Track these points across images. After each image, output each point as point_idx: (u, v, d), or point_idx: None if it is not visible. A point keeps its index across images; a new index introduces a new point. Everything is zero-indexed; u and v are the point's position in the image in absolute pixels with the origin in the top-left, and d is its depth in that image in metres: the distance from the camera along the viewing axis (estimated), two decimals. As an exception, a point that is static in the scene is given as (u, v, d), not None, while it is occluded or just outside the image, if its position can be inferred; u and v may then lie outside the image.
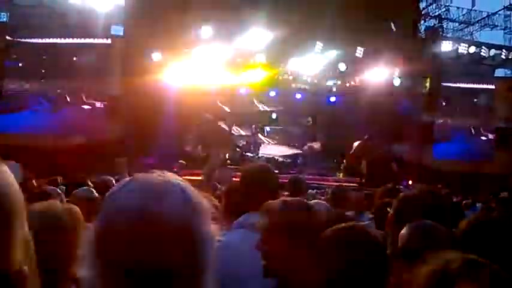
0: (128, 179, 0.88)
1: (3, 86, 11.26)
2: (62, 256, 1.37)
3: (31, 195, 2.84)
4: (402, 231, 1.69)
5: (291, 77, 13.60)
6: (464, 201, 7.31)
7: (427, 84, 14.02)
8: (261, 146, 13.47)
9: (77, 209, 1.47)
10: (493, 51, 14.31)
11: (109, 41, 11.76)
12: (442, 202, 2.18)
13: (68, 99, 11.68)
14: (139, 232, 0.78)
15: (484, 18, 15.39)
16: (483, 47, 14.26)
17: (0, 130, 10.86)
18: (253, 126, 13.52)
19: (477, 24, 15.41)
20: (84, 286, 0.84)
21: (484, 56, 14.35)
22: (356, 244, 1.42)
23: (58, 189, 3.75)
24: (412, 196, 2.23)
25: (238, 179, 2.53)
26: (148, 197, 0.81)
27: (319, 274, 1.41)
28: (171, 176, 0.88)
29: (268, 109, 14.10)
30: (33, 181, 4.49)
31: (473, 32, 15.52)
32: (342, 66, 13.23)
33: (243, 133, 13.80)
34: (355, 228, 1.52)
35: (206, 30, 11.96)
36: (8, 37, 11.29)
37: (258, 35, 12.07)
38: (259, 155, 13.18)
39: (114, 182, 4.27)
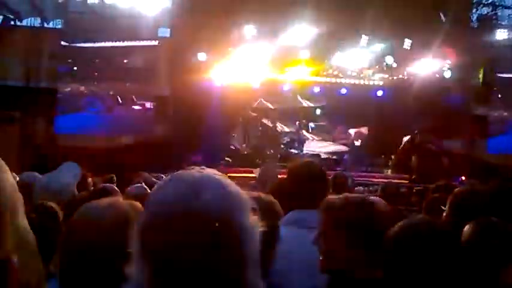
0: (169, 176, 0.92)
1: (58, 89, 11.87)
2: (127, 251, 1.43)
3: (91, 192, 3.01)
4: (467, 228, 1.62)
5: (335, 72, 13.42)
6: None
7: (481, 76, 13.37)
8: (305, 142, 13.39)
9: (139, 205, 1.53)
10: (552, 38, 13.44)
11: (156, 42, 12.11)
12: (502, 198, 2.10)
13: (120, 100, 12.15)
14: (179, 225, 0.81)
15: (542, 3, 14.45)
16: (542, 34, 13.42)
17: (58, 131, 11.49)
18: (298, 122, 13.46)
19: (535, 10, 14.49)
20: (132, 280, 0.87)
21: (543, 43, 13.50)
22: (430, 238, 1.33)
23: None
24: (469, 191, 2.16)
25: (284, 176, 2.53)
26: (188, 191, 0.84)
27: (383, 273, 1.36)
28: (210, 171, 0.91)
29: (312, 105, 13.98)
30: (90, 179, 4.71)
31: (531, 19, 14.61)
32: (389, 59, 12.90)
33: (286, 130, 13.77)
34: (426, 222, 1.43)
35: (249, 29, 12.04)
36: (63, 42, 11.89)
37: (302, 31, 12.00)
38: (304, 151, 13.11)
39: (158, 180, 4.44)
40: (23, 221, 0.73)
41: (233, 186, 0.89)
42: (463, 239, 1.62)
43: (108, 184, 3.84)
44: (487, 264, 1.44)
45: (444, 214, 2.14)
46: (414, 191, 6.81)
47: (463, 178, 11.65)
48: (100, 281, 1.38)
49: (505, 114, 14.09)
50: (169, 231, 0.81)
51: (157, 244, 0.82)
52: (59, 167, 3.67)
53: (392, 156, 12.45)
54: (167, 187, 0.88)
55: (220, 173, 0.92)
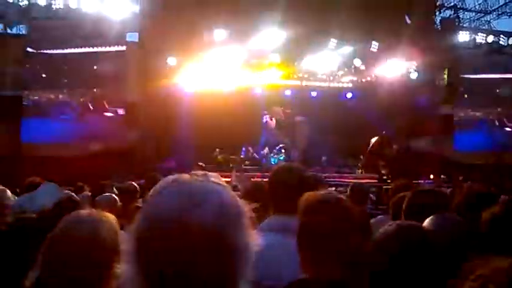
0: (169, 179, 0.88)
1: (25, 96, 11.54)
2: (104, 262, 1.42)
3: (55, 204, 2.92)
4: (425, 224, 1.68)
5: (306, 76, 13.56)
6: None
7: (445, 76, 13.80)
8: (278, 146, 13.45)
9: (114, 218, 1.53)
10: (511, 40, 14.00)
11: (124, 47, 11.93)
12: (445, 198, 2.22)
13: (91, 107, 11.89)
14: (173, 240, 0.81)
15: (501, 6, 15.07)
16: (501, 35, 13.95)
17: (27, 140, 11.15)
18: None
19: (494, 13, 15.09)
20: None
21: (503, 45, 14.04)
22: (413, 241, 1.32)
23: (82, 196, 3.87)
24: (421, 191, 2.27)
25: (257, 179, 2.51)
26: (185, 205, 0.82)
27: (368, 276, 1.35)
28: (212, 179, 0.89)
29: (284, 108, 14.06)
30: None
31: (491, 21, 15.21)
32: (358, 62, 13.14)
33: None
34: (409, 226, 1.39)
35: (219, 33, 12.03)
36: (29, 49, 11.56)
37: (272, 35, 12.08)
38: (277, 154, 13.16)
39: (137, 187, 4.38)
40: None
41: (234, 198, 0.87)
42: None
43: (69, 194, 3.71)
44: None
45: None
46: (383, 190, 6.95)
47: (432, 176, 12.00)
48: None
49: (471, 113, 14.58)
50: (164, 241, 0.81)
51: (150, 253, 0.81)
52: (38, 188, 3.51)
53: (361, 157, 12.68)
54: (165, 194, 0.85)
55: (220, 181, 0.89)
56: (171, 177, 0.89)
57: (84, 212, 1.55)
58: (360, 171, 12.57)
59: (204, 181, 0.87)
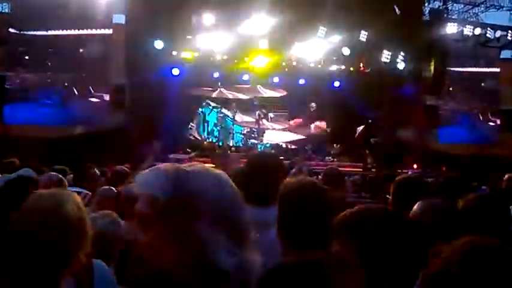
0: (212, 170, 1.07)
1: (6, 78, 11.31)
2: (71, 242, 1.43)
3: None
4: (415, 208, 1.71)
5: (294, 63, 13.53)
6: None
7: (432, 68, 13.88)
8: (265, 132, 13.46)
9: (78, 198, 1.56)
10: (498, 33, 14.10)
11: (111, 31, 11.73)
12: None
13: (76, 91, 11.70)
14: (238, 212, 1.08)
15: (489, -1, 15.17)
16: (488, 28, 14.06)
17: (7, 121, 10.95)
18: (257, 112, 13.49)
19: (482, 5, 15.19)
20: None
21: (490, 38, 14.15)
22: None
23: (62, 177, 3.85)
24: (405, 179, 2.32)
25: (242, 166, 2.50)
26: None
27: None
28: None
29: (271, 95, 14.06)
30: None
31: (479, 14, 15.31)
32: (346, 51, 13.14)
33: (246, 120, 13.77)
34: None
35: (208, 17, 11.91)
36: (12, 30, 11.29)
37: (261, 21, 12.00)
38: (264, 141, 13.19)
39: (128, 171, 4.36)
40: None
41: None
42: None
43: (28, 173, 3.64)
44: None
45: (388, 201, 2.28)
46: (367, 179, 7.02)
47: (415, 166, 12.16)
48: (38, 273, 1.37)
49: (455, 105, 14.75)
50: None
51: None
52: (16, 172, 3.46)
53: (334, 145, 12.78)
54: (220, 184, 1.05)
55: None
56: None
57: (46, 190, 1.59)
58: (345, 159, 12.66)
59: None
